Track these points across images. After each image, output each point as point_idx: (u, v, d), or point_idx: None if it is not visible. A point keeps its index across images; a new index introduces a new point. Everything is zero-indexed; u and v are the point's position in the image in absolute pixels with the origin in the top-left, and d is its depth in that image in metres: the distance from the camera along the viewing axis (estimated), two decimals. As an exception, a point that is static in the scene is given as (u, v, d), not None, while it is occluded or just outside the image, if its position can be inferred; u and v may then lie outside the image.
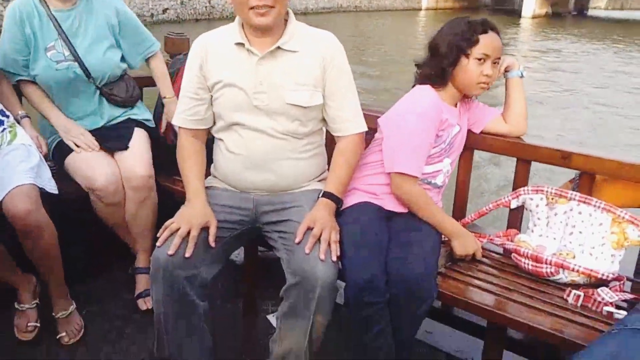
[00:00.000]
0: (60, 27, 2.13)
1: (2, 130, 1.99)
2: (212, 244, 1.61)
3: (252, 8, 1.59)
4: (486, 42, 1.74)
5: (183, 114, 1.81)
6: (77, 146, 2.14)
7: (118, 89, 2.26)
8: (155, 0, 22.77)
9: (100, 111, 2.26)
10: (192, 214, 1.63)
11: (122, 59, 2.29)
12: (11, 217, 1.78)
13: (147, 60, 2.38)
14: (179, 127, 1.84)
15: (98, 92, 2.22)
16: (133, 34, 2.30)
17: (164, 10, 23.30)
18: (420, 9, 47.01)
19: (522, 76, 1.90)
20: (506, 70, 1.90)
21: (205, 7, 25.59)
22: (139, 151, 2.18)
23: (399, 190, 1.77)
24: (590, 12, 62.42)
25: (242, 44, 1.68)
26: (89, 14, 2.19)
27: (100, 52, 2.18)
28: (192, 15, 24.62)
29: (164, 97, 2.37)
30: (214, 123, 1.81)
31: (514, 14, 41.24)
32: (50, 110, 2.21)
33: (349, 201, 1.80)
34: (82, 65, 2.14)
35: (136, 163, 2.13)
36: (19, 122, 2.11)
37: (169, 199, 2.21)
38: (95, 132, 2.22)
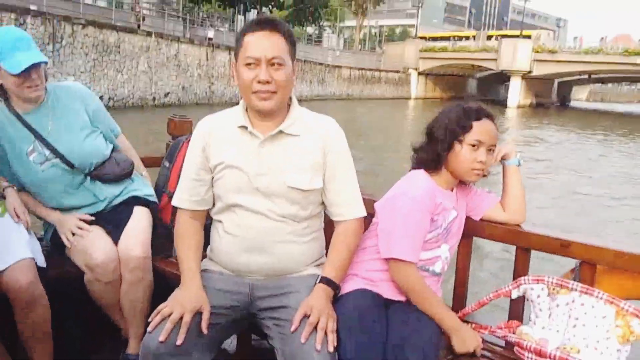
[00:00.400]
0: (33, 129, 2.13)
1: None
2: (205, 331, 1.57)
3: (255, 92, 1.63)
4: (480, 129, 1.76)
5: (183, 195, 1.81)
6: (73, 234, 2.13)
7: (109, 166, 2.25)
8: (157, 84, 23.59)
9: (97, 195, 2.24)
10: (186, 298, 1.60)
11: (105, 141, 2.29)
12: (12, 290, 1.78)
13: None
14: (178, 208, 1.83)
15: (88, 178, 2.21)
16: (104, 118, 2.31)
17: (166, 94, 24.10)
18: (409, 98, 48.88)
19: (519, 164, 1.91)
20: (503, 158, 1.90)
21: (206, 92, 26.54)
22: (137, 231, 2.15)
23: (396, 276, 1.74)
24: (573, 103, 65.04)
25: (245, 127, 1.71)
26: (58, 109, 2.19)
27: (80, 142, 2.18)
28: (192, 100, 25.45)
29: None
30: (213, 205, 1.81)
31: (500, 104, 42.91)
32: (41, 209, 2.21)
33: (346, 287, 1.76)
34: (64, 160, 2.14)
35: (134, 243, 2.10)
36: (3, 196, 2.10)
37: (162, 281, 2.15)
38: (96, 215, 2.21)
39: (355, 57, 47.42)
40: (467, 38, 55.19)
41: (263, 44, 1.63)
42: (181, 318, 1.54)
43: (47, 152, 2.14)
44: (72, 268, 2.10)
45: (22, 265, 1.83)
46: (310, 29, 51.51)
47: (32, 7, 18.98)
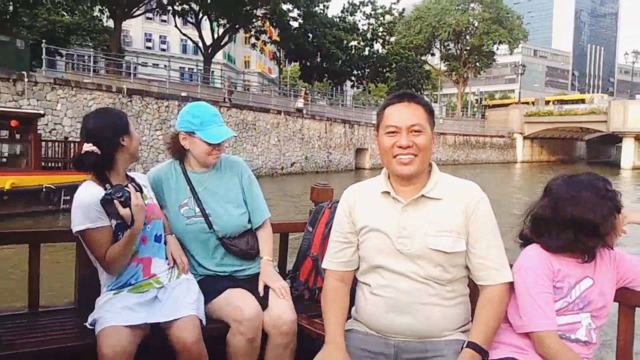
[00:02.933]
0: (193, 186, 2.35)
1: (170, 268, 2.24)
2: None
3: (395, 157, 1.73)
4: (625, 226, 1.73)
5: (331, 257, 1.90)
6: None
7: (239, 241, 2.37)
8: (285, 155, 26.66)
9: (222, 260, 2.36)
10: (331, 359, 1.69)
11: (248, 219, 2.42)
12: (178, 344, 1.96)
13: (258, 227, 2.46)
14: (327, 270, 1.92)
15: (219, 242, 2.34)
16: (253, 196, 2.45)
17: (292, 164, 27.10)
18: (515, 162, 48.90)
19: None
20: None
21: (324, 161, 29.33)
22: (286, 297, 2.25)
23: (542, 349, 1.68)
24: (695, 163, 60.57)
25: (387, 192, 1.79)
26: (219, 176, 2.39)
27: (225, 210, 2.35)
28: (313, 168, 28.27)
29: (261, 258, 2.41)
30: (358, 267, 1.88)
31: (612, 166, 41.69)
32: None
33: (493, 355, 1.72)
34: (207, 220, 2.32)
35: (285, 307, 2.19)
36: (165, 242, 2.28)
37: (306, 340, 2.20)
38: (234, 279, 2.35)
39: (458, 124, 48.99)
40: (575, 101, 54.76)
41: (403, 113, 1.74)
42: None
43: (197, 210, 2.33)
44: (213, 324, 2.16)
45: (187, 320, 1.99)
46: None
47: (183, 94, 22.78)
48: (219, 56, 40.75)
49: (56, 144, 14.55)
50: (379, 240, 1.77)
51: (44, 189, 11.65)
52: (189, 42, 50.49)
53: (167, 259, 2.25)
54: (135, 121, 19.41)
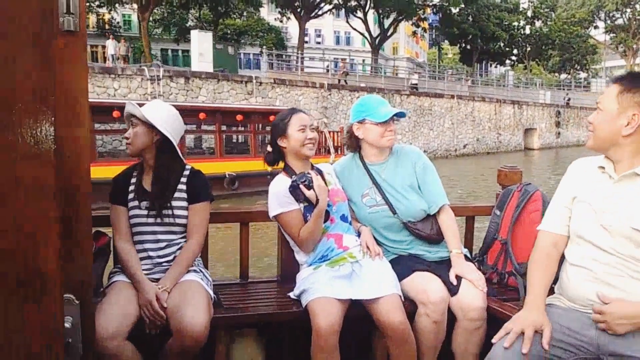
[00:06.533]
0: (373, 177, 2.46)
1: (360, 244, 2.36)
2: (546, 346, 1.65)
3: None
4: None
5: (549, 219, 1.93)
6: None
7: (422, 226, 2.43)
8: (458, 137, 28.05)
9: (411, 244, 2.45)
10: (527, 317, 1.72)
11: (425, 203, 2.45)
12: (384, 323, 2.08)
13: (438, 212, 2.45)
14: (540, 231, 1.94)
15: (404, 225, 2.43)
16: (428, 183, 2.47)
17: (464, 146, 28.38)
18: None
19: None
20: None
21: (494, 142, 30.16)
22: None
23: None
24: None
25: (602, 167, 1.81)
26: (396, 166, 2.49)
27: (403, 197, 2.43)
28: (484, 149, 29.30)
29: (450, 252, 2.40)
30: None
31: None
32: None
33: None
34: (391, 207, 2.42)
35: (475, 294, 2.22)
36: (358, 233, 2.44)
37: (496, 322, 2.12)
38: (426, 262, 2.40)
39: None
40: None
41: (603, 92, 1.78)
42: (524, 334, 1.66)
43: (379, 199, 2.44)
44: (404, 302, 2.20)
45: (393, 300, 2.11)
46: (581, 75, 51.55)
47: (361, 85, 24.97)
48: (362, 44, 41.01)
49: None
50: (585, 212, 1.80)
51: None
52: (342, 34, 53.33)
53: (358, 237, 2.42)
54: (333, 112, 22.21)
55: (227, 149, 14.29)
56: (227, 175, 13.01)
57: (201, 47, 19.99)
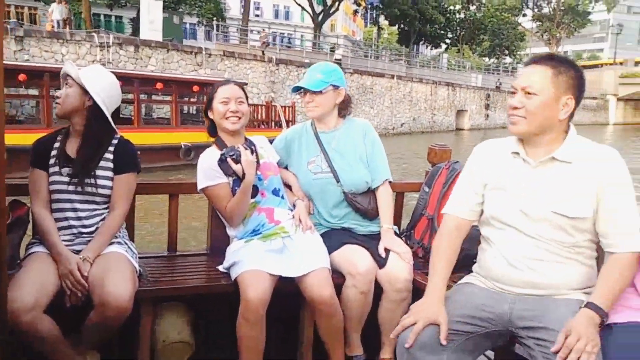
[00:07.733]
0: (322, 145, 2.53)
1: (295, 226, 2.36)
2: (443, 342, 1.66)
3: (509, 116, 1.77)
4: None
5: (452, 203, 1.95)
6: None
7: (362, 199, 2.50)
8: (395, 117, 29.37)
9: (344, 217, 2.51)
10: (422, 309, 1.74)
11: (369, 177, 2.51)
12: (313, 297, 2.12)
13: (377, 186, 2.51)
14: (445, 215, 1.97)
15: (344, 196, 2.49)
16: (374, 157, 2.54)
17: (401, 125, 29.79)
18: (607, 124, 48.74)
19: None
20: None
21: (429, 122, 31.82)
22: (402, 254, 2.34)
23: None
24: None
25: (517, 153, 1.79)
26: (345, 136, 2.54)
27: (350, 167, 2.50)
28: (419, 129, 30.91)
29: (381, 226, 2.47)
30: (480, 221, 1.91)
31: None
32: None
33: (615, 318, 1.62)
34: (335, 175, 2.48)
35: (401, 266, 2.29)
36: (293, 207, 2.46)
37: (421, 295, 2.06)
38: (354, 235, 2.47)
39: (549, 86, 48.91)
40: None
41: (523, 74, 1.75)
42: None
43: (324, 166, 2.50)
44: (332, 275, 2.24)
45: (321, 274, 2.14)
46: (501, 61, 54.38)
47: (306, 61, 25.03)
48: (300, 20, 40.25)
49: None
50: (503, 198, 1.79)
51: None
52: (281, 9, 52.79)
53: (290, 211, 2.43)
54: (280, 86, 22.69)
55: (182, 120, 14.42)
56: (182, 146, 13.17)
57: (151, 14, 19.71)
